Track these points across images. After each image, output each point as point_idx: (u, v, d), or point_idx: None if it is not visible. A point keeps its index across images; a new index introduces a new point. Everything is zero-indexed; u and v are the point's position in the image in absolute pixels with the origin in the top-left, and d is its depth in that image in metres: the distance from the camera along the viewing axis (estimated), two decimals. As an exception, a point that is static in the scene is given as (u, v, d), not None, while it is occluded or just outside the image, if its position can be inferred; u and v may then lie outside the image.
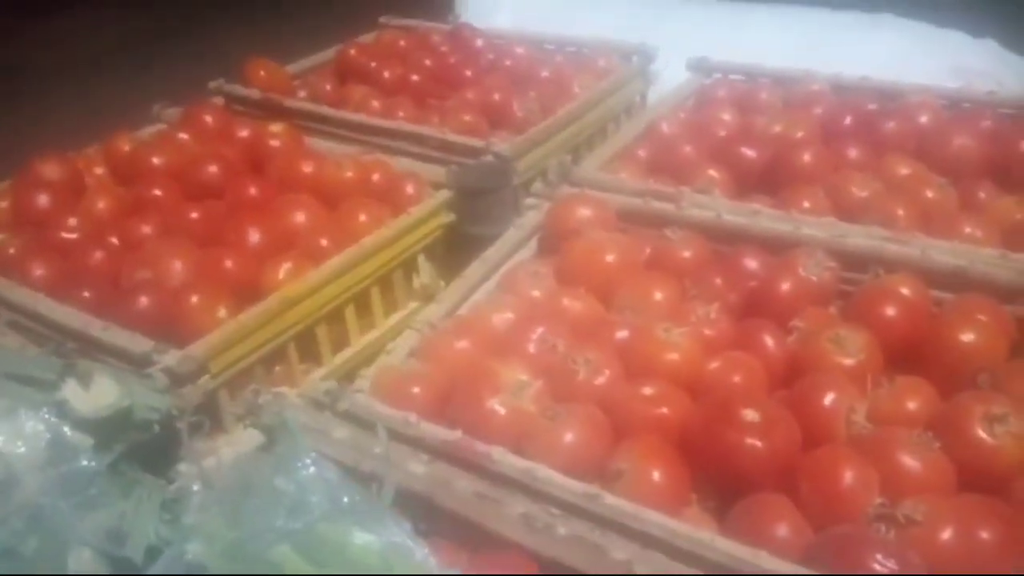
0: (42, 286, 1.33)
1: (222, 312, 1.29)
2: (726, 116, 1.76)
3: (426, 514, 0.86)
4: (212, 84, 2.04)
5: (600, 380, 1.05)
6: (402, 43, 2.32)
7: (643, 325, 1.12)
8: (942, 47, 2.15)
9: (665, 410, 1.00)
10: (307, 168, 1.64)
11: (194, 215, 1.51)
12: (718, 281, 1.22)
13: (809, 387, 1.01)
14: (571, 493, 0.85)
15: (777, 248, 1.25)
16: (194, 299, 1.29)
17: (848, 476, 0.88)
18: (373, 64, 2.16)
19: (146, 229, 1.50)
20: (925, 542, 0.80)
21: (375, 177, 1.65)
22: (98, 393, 0.88)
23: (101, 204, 1.59)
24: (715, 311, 1.14)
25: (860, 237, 1.24)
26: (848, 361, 1.03)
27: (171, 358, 1.14)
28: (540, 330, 1.12)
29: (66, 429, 0.83)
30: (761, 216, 1.32)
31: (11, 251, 1.44)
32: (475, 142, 1.68)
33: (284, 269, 1.38)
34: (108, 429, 0.87)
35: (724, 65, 1.96)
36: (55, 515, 0.71)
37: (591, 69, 2.09)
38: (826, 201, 1.41)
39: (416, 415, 0.96)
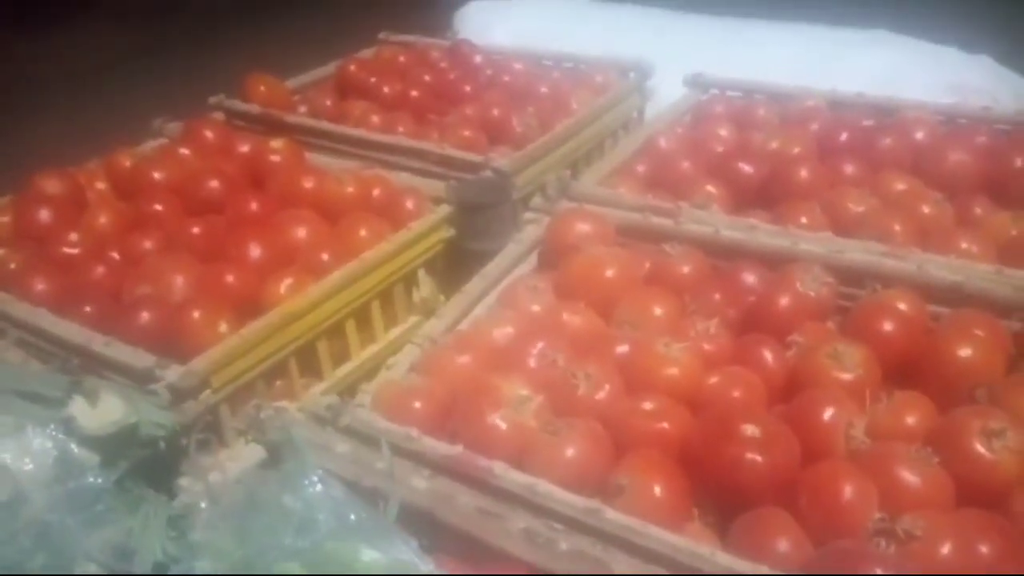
0: (43, 301, 1.34)
1: (223, 327, 1.29)
2: (723, 132, 1.77)
3: (428, 529, 0.86)
4: (212, 99, 2.05)
5: (600, 395, 1.05)
6: (401, 59, 2.34)
7: (643, 340, 1.12)
8: (938, 63, 2.17)
9: (665, 425, 1.01)
10: (308, 183, 1.65)
11: (195, 230, 1.52)
12: (717, 296, 1.22)
13: (808, 402, 1.02)
14: (572, 508, 0.86)
15: (775, 263, 1.26)
16: (195, 314, 1.29)
17: (847, 491, 0.88)
18: (373, 80, 2.18)
19: (147, 244, 1.50)
20: (924, 557, 0.81)
21: (375, 192, 1.66)
22: (104, 410, 0.88)
23: (102, 219, 1.59)
24: (714, 326, 1.15)
25: (857, 252, 1.25)
26: (846, 376, 1.04)
27: (173, 373, 1.14)
28: (540, 345, 1.12)
29: (73, 446, 0.83)
30: (759, 231, 1.33)
31: (12, 266, 1.44)
32: (474, 157, 1.69)
33: (285, 284, 1.38)
34: (114, 446, 0.87)
35: (721, 81, 1.98)
36: (62, 532, 0.71)
37: (589, 85, 2.11)
38: (823, 217, 1.43)
39: (417, 430, 0.96)
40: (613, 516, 0.84)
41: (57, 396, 0.89)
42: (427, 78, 2.19)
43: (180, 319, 1.29)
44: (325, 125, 1.92)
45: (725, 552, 0.82)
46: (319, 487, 0.65)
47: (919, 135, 1.62)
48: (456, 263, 1.60)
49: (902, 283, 1.19)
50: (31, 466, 0.79)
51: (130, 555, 0.74)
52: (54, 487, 0.78)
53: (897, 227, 1.34)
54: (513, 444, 0.99)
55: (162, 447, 0.96)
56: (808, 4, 2.43)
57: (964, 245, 1.31)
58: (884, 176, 1.52)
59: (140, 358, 1.17)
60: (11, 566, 0.70)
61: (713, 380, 1.07)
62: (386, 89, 2.14)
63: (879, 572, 0.77)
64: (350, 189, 1.64)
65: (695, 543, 0.82)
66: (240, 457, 1.12)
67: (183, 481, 0.90)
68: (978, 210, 1.43)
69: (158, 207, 1.59)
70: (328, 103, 2.15)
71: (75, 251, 1.50)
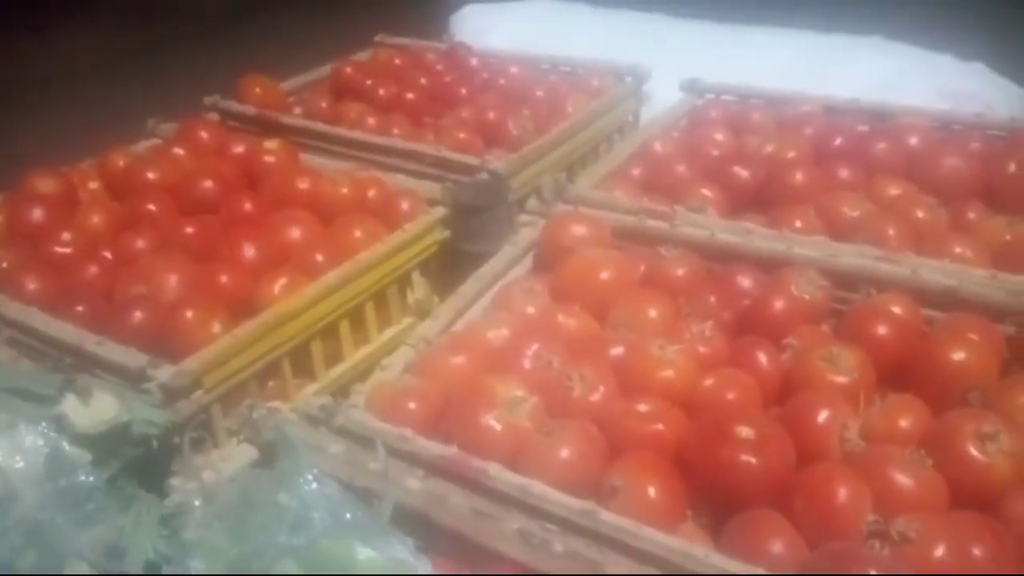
0: (36, 300, 1.33)
1: (216, 327, 1.28)
2: (719, 136, 1.77)
3: (422, 530, 0.86)
4: (207, 100, 2.04)
5: (595, 397, 1.05)
6: (397, 61, 2.34)
7: (638, 342, 1.12)
8: (932, 70, 2.18)
9: (660, 427, 1.01)
10: (302, 184, 1.65)
11: (189, 230, 1.51)
12: (712, 299, 1.22)
13: (802, 405, 1.02)
14: (567, 509, 0.86)
15: (770, 267, 1.26)
16: (189, 314, 1.29)
17: (842, 493, 0.88)
18: (368, 82, 2.17)
19: (141, 244, 1.50)
20: (918, 559, 0.81)
21: (370, 193, 1.66)
22: (97, 408, 0.87)
23: (95, 219, 1.59)
24: (709, 329, 1.15)
25: (852, 256, 1.25)
26: (841, 379, 1.04)
27: (165, 373, 1.14)
28: (535, 346, 1.12)
29: (65, 444, 0.83)
30: (754, 235, 1.33)
31: (4, 265, 1.43)
32: (470, 159, 1.69)
33: (279, 284, 1.38)
34: (106, 444, 0.87)
35: (716, 86, 1.99)
36: (53, 530, 0.71)
37: (585, 88, 2.11)
38: (818, 221, 1.43)
39: (412, 431, 0.96)
40: (608, 517, 0.84)
41: (49, 394, 0.89)
42: (423, 81, 2.19)
43: (173, 319, 1.29)
44: (320, 126, 1.92)
45: (719, 554, 0.82)
46: (314, 485, 0.65)
47: (913, 140, 1.63)
48: (451, 265, 1.60)
49: (896, 287, 1.19)
50: (22, 464, 0.79)
51: (121, 554, 0.73)
52: (45, 485, 0.77)
53: (891, 231, 1.34)
54: (507, 445, 0.98)
55: (154, 446, 0.95)
56: (804, 10, 2.44)
57: (958, 250, 1.31)
58: (879, 181, 1.53)
59: (133, 358, 1.16)
60: (1, 565, 0.70)
61: (708, 382, 1.07)
62: (382, 91, 2.14)
63: (873, 574, 0.77)
64: (345, 190, 1.64)
65: (689, 545, 0.82)
66: (232, 457, 1.11)
67: (175, 480, 0.90)
68: (972, 215, 1.43)
69: (151, 207, 1.58)
70: (323, 105, 2.15)
71: (68, 250, 1.49)
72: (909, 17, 2.37)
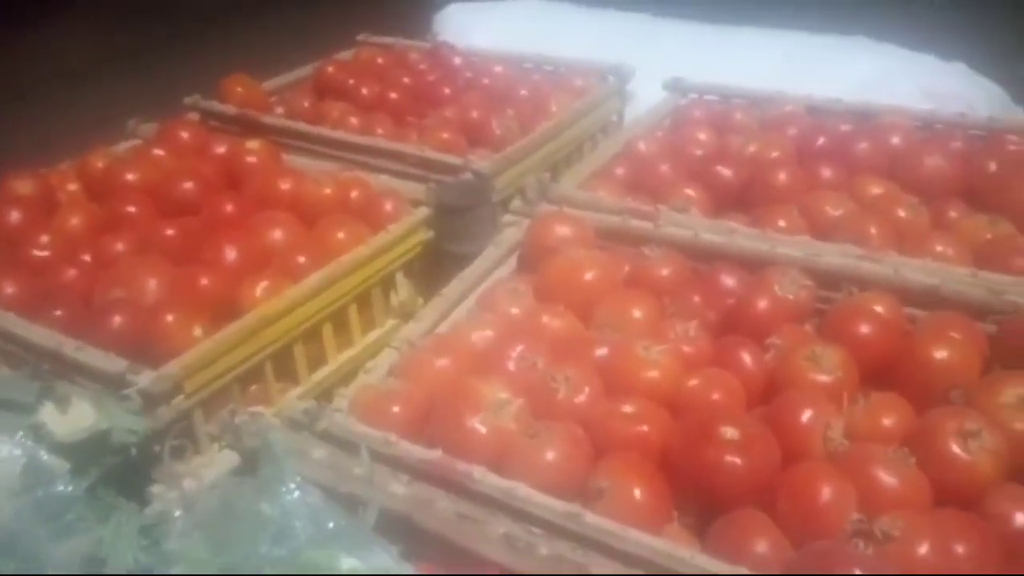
0: (13, 305, 1.31)
1: (198, 331, 1.27)
2: (702, 136, 1.78)
3: (407, 535, 0.85)
4: (188, 100, 2.02)
5: (580, 398, 1.05)
6: (380, 61, 2.32)
7: (622, 342, 1.12)
8: (915, 70, 2.20)
9: (645, 428, 1.00)
10: (284, 185, 1.63)
11: (169, 232, 1.50)
12: (696, 299, 1.23)
13: (786, 404, 1.02)
14: (552, 512, 0.85)
15: (754, 266, 1.26)
16: (169, 317, 1.28)
17: (826, 492, 0.89)
18: (351, 81, 2.16)
19: (120, 246, 1.48)
20: (902, 557, 0.81)
21: (353, 194, 1.65)
22: (75, 416, 0.86)
23: (74, 221, 1.57)
24: (693, 329, 1.15)
25: (834, 256, 1.26)
26: (824, 378, 1.04)
27: (145, 378, 1.12)
28: (520, 348, 1.12)
29: (42, 453, 0.81)
30: (738, 235, 1.34)
31: (-19, 269, 1.41)
32: (454, 159, 1.68)
33: (261, 287, 1.37)
34: (85, 452, 0.85)
35: (700, 86, 1.99)
36: (31, 541, 0.70)
37: (568, 88, 2.11)
38: (801, 220, 1.43)
39: (396, 435, 0.95)
40: (593, 520, 0.84)
41: (27, 402, 0.87)
42: (406, 80, 2.18)
43: (153, 323, 1.27)
44: (302, 126, 1.91)
45: (705, 554, 0.82)
46: (296, 494, 0.64)
47: (895, 140, 1.63)
48: (435, 266, 1.59)
49: (879, 286, 1.20)
50: (-2, 474, 0.78)
51: (101, 565, 0.72)
52: (22, 496, 0.76)
53: (874, 231, 1.35)
54: (492, 448, 0.98)
55: (134, 454, 0.94)
56: (788, 11, 2.45)
57: (940, 248, 1.32)
58: (861, 180, 1.53)
59: (112, 363, 1.15)
60: (-24, 576, 0.68)
61: (692, 382, 1.07)
62: (365, 91, 2.13)
63: (858, 572, 0.77)
64: (328, 191, 1.63)
65: (675, 546, 0.82)
66: (214, 463, 1.10)
67: (156, 488, 0.89)
68: (953, 214, 1.44)
69: (131, 209, 1.56)
70: (306, 104, 2.13)
71: (46, 254, 1.47)
72: (892, 18, 2.39)
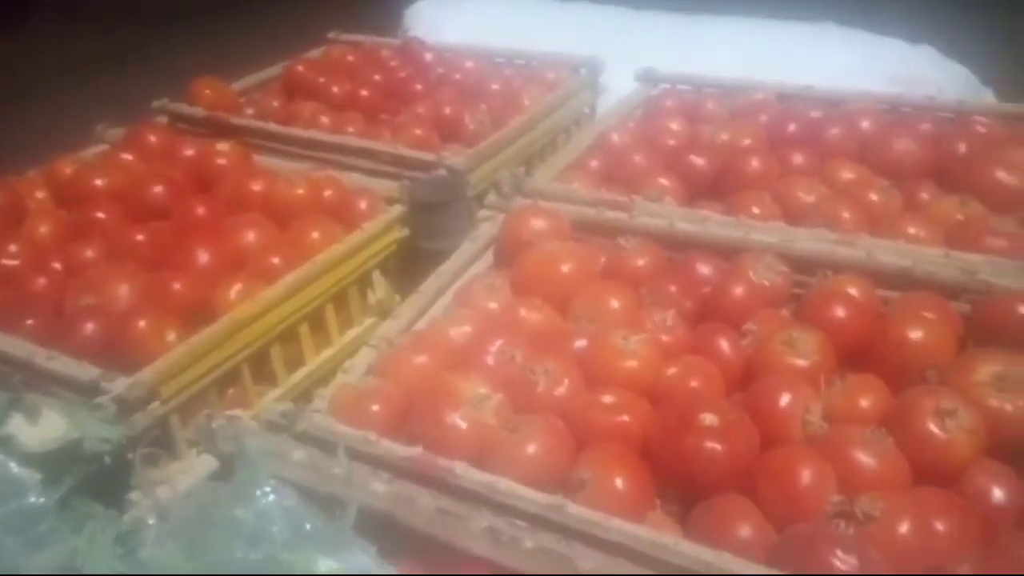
0: (-18, 315, 1.29)
1: (171, 336, 1.26)
2: (675, 125, 1.78)
3: (389, 533, 0.84)
4: (156, 103, 2.00)
5: (560, 390, 1.05)
6: (351, 58, 2.31)
7: (600, 334, 1.12)
8: (883, 54, 2.22)
9: (625, 417, 1.01)
10: (256, 186, 1.62)
11: (140, 237, 1.48)
12: (672, 288, 1.23)
13: (764, 389, 1.02)
14: (535, 505, 0.85)
15: (729, 254, 1.27)
16: (142, 324, 1.26)
17: (806, 475, 0.89)
18: (322, 80, 2.14)
19: (90, 253, 1.46)
20: (883, 536, 0.82)
21: (327, 193, 1.63)
22: (45, 427, 0.84)
23: (43, 229, 1.54)
24: (671, 317, 1.15)
25: (808, 241, 1.26)
26: (801, 362, 1.05)
27: (120, 385, 1.11)
28: (498, 342, 1.11)
29: (12, 465, 0.80)
30: (712, 223, 1.34)
31: (-52, 280, 1.39)
32: (427, 156, 1.67)
33: (235, 290, 1.35)
34: (57, 463, 0.84)
35: (671, 76, 1.99)
36: (4, 554, 0.68)
37: (540, 81, 2.11)
38: (774, 206, 1.44)
39: (376, 433, 0.95)
40: (576, 511, 0.84)
41: (-4, 414, 0.86)
42: (377, 77, 2.16)
43: (126, 329, 1.25)
44: (273, 127, 1.89)
45: (688, 541, 0.82)
46: (272, 497, 0.63)
47: (865, 125, 1.65)
48: (411, 263, 1.58)
49: (852, 269, 1.20)
50: (-32, 488, 0.76)
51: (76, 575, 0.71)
52: (-7, 508, 0.74)
53: (846, 215, 1.36)
54: (473, 443, 0.97)
55: (108, 462, 0.93)
56: (757, 0, 2.47)
57: (912, 230, 1.33)
58: (832, 165, 1.55)
59: (85, 371, 1.13)
60: (-53, 592, 0.67)
61: (671, 371, 1.07)
62: (335, 89, 2.11)
63: (839, 553, 0.77)
64: (300, 191, 1.61)
65: (658, 534, 0.82)
66: (192, 469, 1.09)
67: (134, 495, 0.87)
68: (924, 196, 1.46)
69: (100, 215, 1.54)
70: (276, 104, 2.11)
71: (15, 263, 1.45)
72: (859, 4, 2.42)
